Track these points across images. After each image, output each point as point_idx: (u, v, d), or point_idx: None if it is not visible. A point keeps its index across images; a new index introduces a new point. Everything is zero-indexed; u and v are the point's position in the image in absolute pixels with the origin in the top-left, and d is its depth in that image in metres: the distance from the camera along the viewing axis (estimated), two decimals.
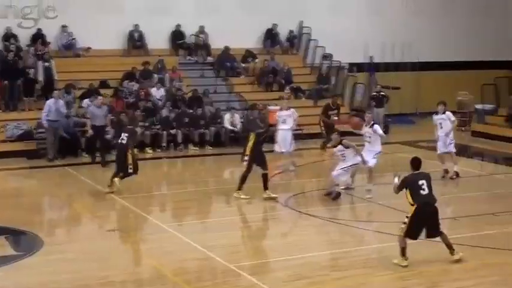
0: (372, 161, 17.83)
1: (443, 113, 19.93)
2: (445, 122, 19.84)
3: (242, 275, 12.23)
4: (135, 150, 19.42)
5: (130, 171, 18.30)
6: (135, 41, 28.77)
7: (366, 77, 32.02)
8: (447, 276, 12.21)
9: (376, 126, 18.21)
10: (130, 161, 18.28)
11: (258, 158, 17.52)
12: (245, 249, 13.98)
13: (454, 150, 19.88)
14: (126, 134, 18.43)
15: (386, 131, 28.58)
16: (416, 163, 12.92)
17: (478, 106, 29.21)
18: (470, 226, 14.90)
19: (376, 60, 32.19)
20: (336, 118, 23.89)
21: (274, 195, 17.53)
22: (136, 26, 28.61)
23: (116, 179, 18.20)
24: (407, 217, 12.48)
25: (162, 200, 18.87)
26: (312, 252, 13.55)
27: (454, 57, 33.16)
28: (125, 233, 15.26)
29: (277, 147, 21.24)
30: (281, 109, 21.85)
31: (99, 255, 13.42)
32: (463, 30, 33.43)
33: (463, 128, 29.35)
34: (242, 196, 17.55)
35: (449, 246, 12.64)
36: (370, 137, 18.07)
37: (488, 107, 28.83)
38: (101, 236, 14.88)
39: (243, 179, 17.63)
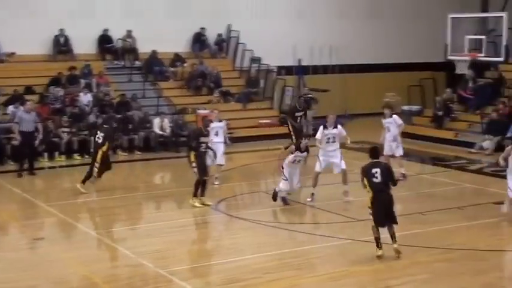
0: (343, 163, 17.78)
1: (390, 116, 20.03)
2: (392, 125, 19.97)
3: (173, 280, 12.15)
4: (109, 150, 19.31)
5: (95, 169, 18.36)
6: (61, 46, 28.33)
7: (295, 79, 32.16)
8: (377, 275, 12.34)
9: (340, 127, 18.19)
10: (98, 160, 18.31)
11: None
12: (176, 254, 13.83)
13: (401, 153, 20.02)
14: (102, 134, 18.33)
15: (315, 133, 28.80)
16: (372, 152, 13.34)
17: (405, 107, 29.58)
18: (399, 225, 15.03)
19: (305, 63, 32.37)
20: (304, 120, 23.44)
21: (209, 203, 17.43)
22: (61, 30, 28.18)
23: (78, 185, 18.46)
24: (369, 207, 12.93)
25: (91, 206, 18.57)
26: (243, 255, 13.54)
27: (381, 59, 33.56)
28: (53, 241, 14.99)
29: (209, 160, 19.48)
30: (211, 120, 19.93)
31: (27, 264, 13.18)
32: (389, 33, 33.85)
33: None
34: (196, 204, 17.30)
35: (393, 237, 12.99)
36: (334, 137, 17.95)
37: (414, 108, 29.26)
38: (29, 245, 14.60)
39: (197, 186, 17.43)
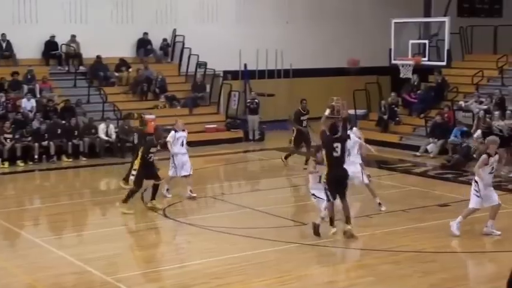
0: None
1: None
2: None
3: (120, 287, 12.01)
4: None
5: (131, 177, 17.94)
6: (3, 51, 27.88)
7: (241, 84, 32.18)
8: (324, 278, 12.37)
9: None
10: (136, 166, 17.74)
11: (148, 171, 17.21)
12: (123, 260, 13.70)
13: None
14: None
15: (262, 137, 28.96)
16: (333, 127, 13.81)
17: (351, 111, 29.79)
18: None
19: (250, 67, 32.40)
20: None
21: (159, 206, 17.31)
22: (3, 35, 27.74)
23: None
24: (324, 181, 13.26)
25: (36, 214, 18.31)
26: (191, 260, 13.48)
27: (327, 64, 33.76)
28: None
29: (172, 172, 18.73)
30: (176, 130, 18.74)
31: None
32: (334, 38, 34.03)
33: None
34: (124, 210, 17.16)
35: (348, 218, 13.51)
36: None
37: (360, 112, 29.49)
38: None
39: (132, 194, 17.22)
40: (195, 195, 18.45)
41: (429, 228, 15.56)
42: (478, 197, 14.50)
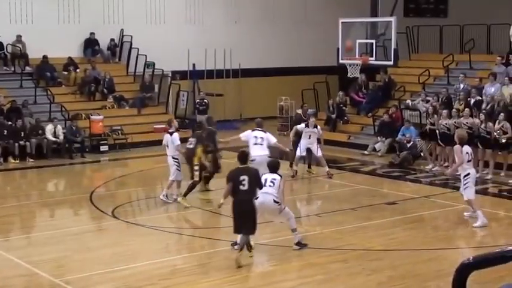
0: None
1: (315, 127, 21.32)
2: (314, 134, 21.18)
3: None
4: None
5: (196, 178, 17.54)
6: None
7: (190, 84, 32.10)
8: (272, 278, 12.39)
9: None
10: (196, 167, 17.52)
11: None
12: (71, 262, 13.58)
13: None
14: (194, 139, 17.85)
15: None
16: (242, 157, 13.20)
17: (299, 110, 29.88)
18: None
19: (199, 67, 32.34)
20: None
21: (186, 204, 17.24)
22: None
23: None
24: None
25: None
26: (139, 262, 13.41)
27: (275, 63, 33.89)
28: None
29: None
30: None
31: None
32: (282, 38, 34.19)
33: (285, 133, 30.01)
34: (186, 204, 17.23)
35: (248, 245, 12.97)
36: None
37: (309, 111, 29.53)
38: None
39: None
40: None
41: (377, 226, 15.69)
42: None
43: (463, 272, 4.81)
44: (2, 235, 16.08)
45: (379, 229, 15.48)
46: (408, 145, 23.44)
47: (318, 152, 21.10)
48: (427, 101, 25.23)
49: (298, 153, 21.04)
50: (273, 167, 13.54)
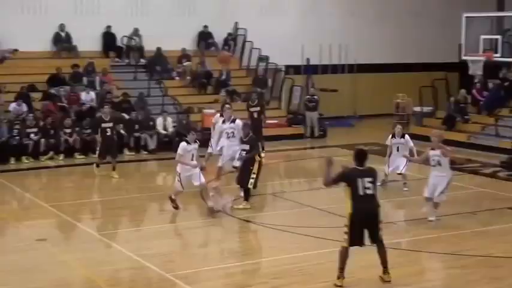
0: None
1: (402, 136, 18.82)
2: (402, 146, 18.66)
3: (178, 284, 11.88)
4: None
5: (249, 186, 16.91)
6: (63, 42, 27.87)
7: (303, 79, 31.77)
8: (385, 283, 11.79)
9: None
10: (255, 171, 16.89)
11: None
12: (181, 257, 13.54)
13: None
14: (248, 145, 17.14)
15: (324, 134, 28.51)
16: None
17: (416, 108, 29.21)
18: (410, 231, 14.64)
19: (313, 62, 31.96)
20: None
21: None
22: (62, 25, 27.76)
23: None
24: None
25: (94, 207, 18.24)
26: (250, 259, 13.23)
27: (392, 59, 33.27)
28: (55, 242, 14.60)
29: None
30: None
31: (27, 266, 12.82)
32: (400, 33, 33.55)
33: None
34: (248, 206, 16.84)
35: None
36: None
37: (426, 109, 28.83)
38: (30, 246, 14.16)
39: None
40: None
41: (498, 232, 15.10)
42: None
43: None
44: (112, 227, 16.19)
45: (500, 235, 14.87)
46: None
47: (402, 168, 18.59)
48: None
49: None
50: None
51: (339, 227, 12.69)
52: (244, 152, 16.94)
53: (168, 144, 24.86)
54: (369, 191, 11.33)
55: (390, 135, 18.86)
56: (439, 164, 15.29)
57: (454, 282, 12.08)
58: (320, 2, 32.52)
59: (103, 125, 20.47)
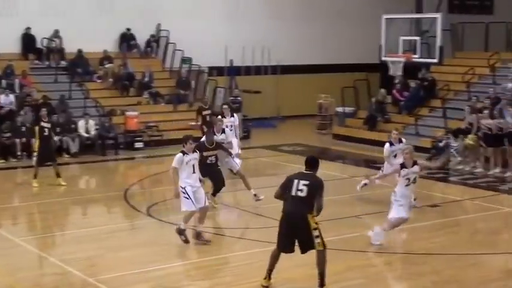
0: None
1: (400, 141, 17.17)
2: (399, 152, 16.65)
3: None
4: None
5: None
6: None
7: (227, 80, 31.75)
8: (308, 282, 11.86)
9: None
10: None
11: None
12: (105, 261, 13.35)
13: None
14: None
15: (247, 135, 28.54)
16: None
17: (339, 109, 29.51)
18: (333, 230, 14.78)
19: (237, 63, 31.98)
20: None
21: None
22: None
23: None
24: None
25: (15, 212, 17.89)
26: (174, 262, 13.20)
27: (314, 60, 33.46)
28: None
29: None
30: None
31: None
32: (322, 34, 33.78)
33: (323, 131, 29.63)
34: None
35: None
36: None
37: (348, 109, 29.15)
38: None
39: None
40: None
41: (419, 229, 15.31)
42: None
43: None
44: (34, 232, 15.94)
45: (421, 232, 15.13)
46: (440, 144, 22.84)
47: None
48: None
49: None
50: None
51: (265, 227, 12.81)
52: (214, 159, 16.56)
53: (90, 147, 24.59)
54: (300, 193, 11.02)
55: (387, 144, 17.01)
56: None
57: (378, 279, 12.21)
58: (243, 3, 32.53)
59: (42, 123, 19.52)
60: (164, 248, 14.00)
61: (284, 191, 11.18)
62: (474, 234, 15.25)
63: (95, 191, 20.49)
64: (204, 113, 22.58)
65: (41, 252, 13.81)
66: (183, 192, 13.79)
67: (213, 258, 13.25)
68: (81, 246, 14.16)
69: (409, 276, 12.31)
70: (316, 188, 11.02)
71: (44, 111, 20.14)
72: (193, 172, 13.99)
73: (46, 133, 19.50)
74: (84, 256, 13.44)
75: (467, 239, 14.65)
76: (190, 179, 13.87)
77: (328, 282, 11.84)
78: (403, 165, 13.87)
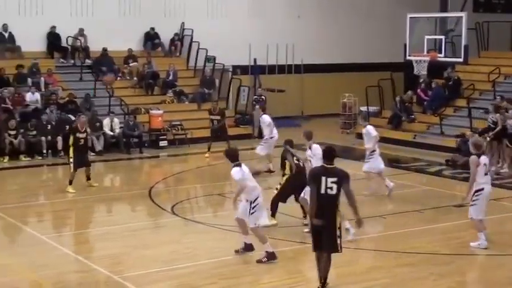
0: None
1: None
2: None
3: (126, 285, 11.79)
4: None
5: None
6: (6, 43, 27.42)
7: (251, 79, 31.75)
8: (335, 280, 11.81)
9: None
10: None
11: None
12: (129, 259, 13.38)
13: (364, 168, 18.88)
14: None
15: None
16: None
17: (363, 108, 29.40)
18: (358, 229, 14.70)
19: (260, 62, 31.95)
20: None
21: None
22: (4, 26, 27.31)
23: None
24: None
25: (40, 210, 17.94)
26: (198, 260, 13.14)
27: (338, 59, 33.37)
28: (1, 245, 14.42)
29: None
30: None
31: None
32: (346, 33, 33.72)
33: (348, 131, 29.53)
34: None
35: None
36: None
37: (372, 109, 29.03)
38: None
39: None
40: None
41: (444, 230, 15.24)
42: None
43: None
44: (59, 230, 16.02)
45: (445, 232, 15.02)
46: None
47: None
48: None
49: None
50: None
51: (287, 226, 12.79)
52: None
53: (115, 146, 24.70)
54: (330, 191, 10.82)
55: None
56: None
57: (402, 280, 12.11)
58: (267, 1, 32.53)
59: (78, 134, 18.99)
60: (189, 246, 14.03)
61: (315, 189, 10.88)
62: (501, 234, 15.08)
63: (120, 189, 20.56)
64: (212, 117, 22.90)
65: (66, 250, 13.84)
66: (250, 206, 12.96)
67: (237, 257, 13.22)
68: (106, 244, 14.23)
69: (434, 277, 12.23)
70: (344, 182, 10.92)
71: (82, 119, 19.57)
72: None
73: (81, 143, 19.01)
74: (109, 254, 13.49)
75: (493, 239, 14.51)
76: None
77: (352, 282, 11.92)
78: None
